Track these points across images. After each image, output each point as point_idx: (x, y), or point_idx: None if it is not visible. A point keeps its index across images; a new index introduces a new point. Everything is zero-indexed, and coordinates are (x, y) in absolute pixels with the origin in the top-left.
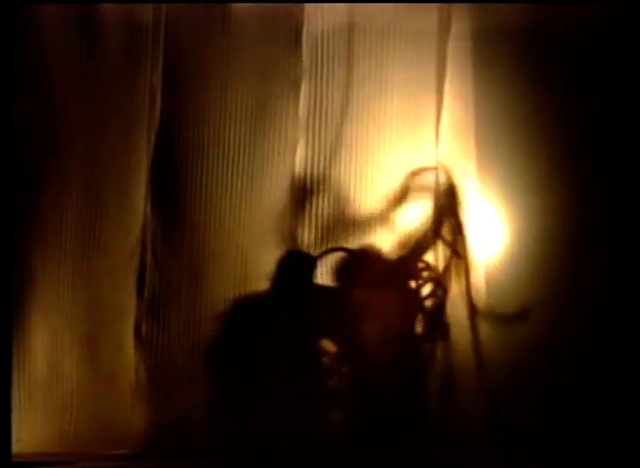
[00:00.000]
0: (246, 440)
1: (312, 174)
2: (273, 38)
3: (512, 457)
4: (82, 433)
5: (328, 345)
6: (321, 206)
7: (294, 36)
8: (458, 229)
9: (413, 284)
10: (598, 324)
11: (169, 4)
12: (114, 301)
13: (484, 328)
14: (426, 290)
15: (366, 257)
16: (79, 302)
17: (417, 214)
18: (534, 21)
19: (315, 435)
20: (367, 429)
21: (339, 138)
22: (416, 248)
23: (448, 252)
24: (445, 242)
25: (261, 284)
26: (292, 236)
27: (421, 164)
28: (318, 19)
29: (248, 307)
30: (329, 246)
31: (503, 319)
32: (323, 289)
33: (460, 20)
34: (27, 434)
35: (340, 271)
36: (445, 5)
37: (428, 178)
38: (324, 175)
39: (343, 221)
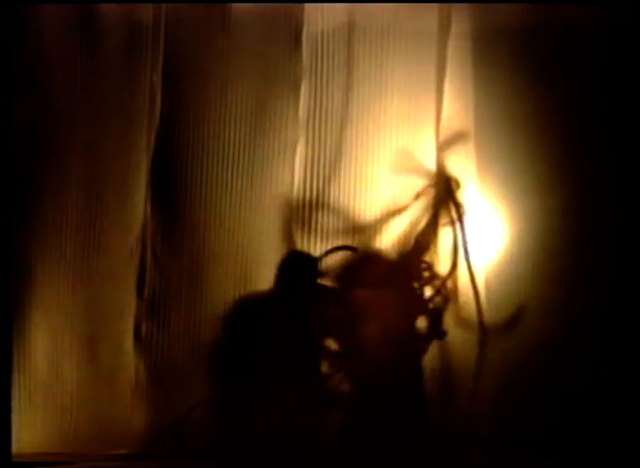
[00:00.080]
0: (246, 440)
1: (312, 173)
2: (273, 38)
3: (512, 457)
4: (82, 433)
5: (328, 345)
6: (321, 206)
7: (294, 36)
8: (458, 229)
9: (414, 284)
10: (598, 324)
11: (169, 4)
12: (114, 301)
13: (484, 328)
14: (427, 290)
15: (367, 258)
16: (79, 302)
17: (417, 215)
18: (534, 21)
19: (315, 435)
20: (367, 429)
21: (339, 138)
22: (416, 248)
23: (448, 252)
24: (445, 242)
25: (262, 284)
26: (292, 236)
27: (421, 164)
28: (318, 20)
29: (248, 307)
30: (329, 246)
31: (504, 319)
32: (324, 289)
33: (460, 20)
34: (27, 434)
35: (342, 272)
36: (445, 5)
37: (428, 178)
38: (324, 174)
39: (344, 222)
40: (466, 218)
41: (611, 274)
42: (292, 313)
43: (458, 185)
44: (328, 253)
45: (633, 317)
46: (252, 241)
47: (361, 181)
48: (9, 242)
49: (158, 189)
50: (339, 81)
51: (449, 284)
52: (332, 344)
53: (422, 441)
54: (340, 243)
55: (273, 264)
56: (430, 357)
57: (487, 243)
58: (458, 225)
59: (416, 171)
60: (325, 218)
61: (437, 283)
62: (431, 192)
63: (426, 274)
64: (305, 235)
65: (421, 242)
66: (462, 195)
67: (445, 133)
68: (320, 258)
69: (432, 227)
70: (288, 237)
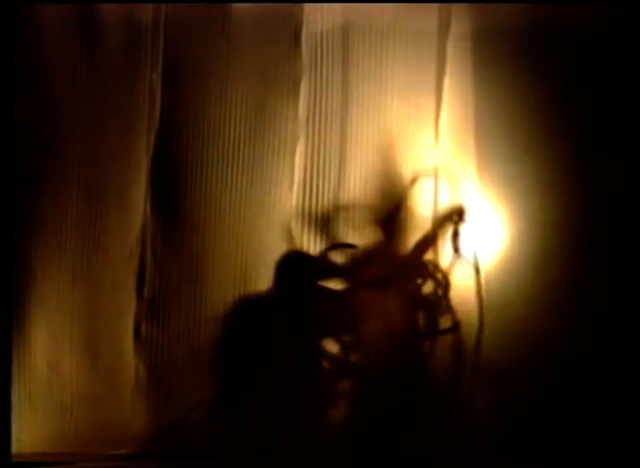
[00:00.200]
0: (246, 440)
1: (312, 172)
2: (273, 38)
3: (512, 457)
4: (82, 433)
5: (329, 345)
6: (321, 205)
7: (293, 36)
8: (458, 228)
9: (414, 283)
10: (598, 324)
11: (169, 4)
12: (114, 301)
13: (484, 328)
14: (428, 289)
15: (367, 257)
16: (79, 302)
17: (417, 213)
18: (534, 21)
19: (315, 435)
20: (367, 429)
21: (338, 138)
22: (417, 247)
23: (449, 251)
24: (445, 241)
25: (262, 283)
26: (292, 236)
27: (422, 163)
28: (317, 19)
29: (248, 307)
30: (329, 243)
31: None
32: (324, 288)
33: (460, 20)
34: (27, 434)
35: (342, 271)
36: (445, 5)
37: (429, 178)
38: (324, 173)
39: (344, 221)
40: (467, 218)
41: (611, 274)
42: (292, 313)
43: (458, 185)
44: (326, 250)
45: (633, 317)
46: (252, 240)
47: (361, 180)
48: (9, 242)
49: (158, 189)
50: (338, 80)
51: (449, 283)
52: (332, 344)
53: (422, 440)
54: (339, 241)
55: (273, 264)
56: (431, 357)
57: (487, 243)
58: (458, 224)
59: (415, 170)
60: (325, 217)
61: (437, 282)
62: (431, 192)
63: (427, 273)
64: (305, 234)
65: (422, 241)
66: (463, 195)
67: (445, 132)
68: (319, 256)
69: (433, 226)
70: (288, 236)
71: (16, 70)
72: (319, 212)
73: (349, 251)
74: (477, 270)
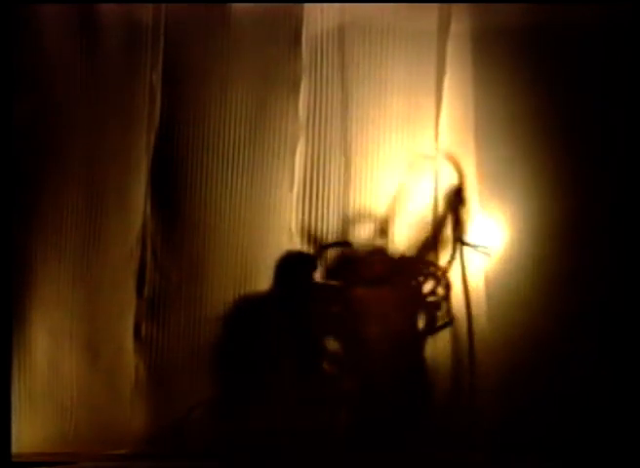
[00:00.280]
0: (246, 440)
1: (312, 172)
2: (273, 38)
3: (511, 458)
4: (82, 433)
5: (329, 344)
6: (321, 205)
7: (293, 36)
8: (458, 228)
9: (414, 282)
10: (597, 325)
11: (169, 4)
12: (114, 301)
13: (484, 328)
14: (428, 288)
15: (367, 256)
16: (79, 302)
17: (417, 213)
18: (534, 21)
19: (315, 435)
20: (368, 428)
21: (338, 137)
22: (417, 246)
23: (449, 250)
24: (446, 241)
25: (262, 283)
26: (292, 236)
27: (421, 163)
28: (317, 19)
29: (248, 306)
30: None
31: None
32: (323, 288)
33: (460, 20)
34: (27, 434)
35: (342, 270)
36: (445, 5)
37: (429, 177)
38: (324, 173)
39: (344, 220)
40: (466, 217)
41: (610, 275)
42: (292, 312)
43: (458, 185)
44: (323, 248)
45: (632, 318)
46: (252, 240)
47: (361, 180)
48: (9, 242)
49: (158, 189)
50: (338, 80)
51: (449, 282)
52: (332, 343)
53: (423, 440)
54: (339, 240)
55: (273, 264)
56: (429, 358)
57: (487, 242)
58: (458, 224)
59: (415, 169)
60: (325, 217)
61: (437, 281)
62: (431, 191)
63: (427, 272)
64: (305, 234)
65: (422, 240)
66: (462, 194)
67: (445, 131)
68: (317, 254)
69: (433, 226)
70: (288, 236)
71: (16, 70)
72: (319, 211)
73: (349, 250)
74: (468, 270)
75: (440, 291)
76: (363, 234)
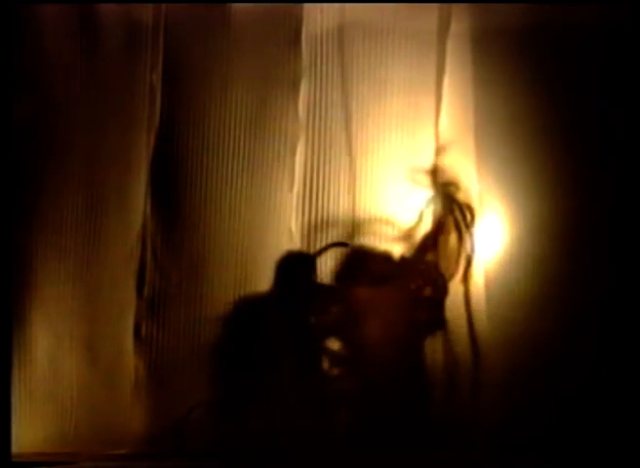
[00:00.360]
0: (246, 440)
1: (312, 172)
2: (273, 38)
3: (511, 458)
4: (82, 433)
5: (328, 344)
6: (321, 205)
7: (293, 36)
8: (458, 228)
9: (413, 282)
10: (597, 325)
11: (169, 4)
12: (114, 301)
13: (484, 328)
14: (426, 289)
15: (366, 257)
16: (79, 302)
17: (417, 213)
18: (534, 21)
19: (315, 435)
20: (368, 429)
21: (338, 137)
22: (416, 247)
23: (448, 251)
24: (445, 241)
25: (262, 283)
26: (292, 236)
27: (421, 163)
28: (317, 19)
29: (248, 307)
30: (328, 243)
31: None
32: (323, 288)
33: (460, 20)
34: (27, 434)
35: (341, 270)
36: (445, 5)
37: (428, 178)
38: (324, 174)
39: (344, 221)
40: (466, 218)
41: (610, 275)
42: (291, 312)
43: (457, 185)
44: (323, 249)
45: (632, 318)
46: (252, 240)
47: (361, 180)
48: (9, 242)
49: (158, 189)
50: (338, 80)
51: (448, 283)
52: (332, 343)
53: (423, 440)
54: (339, 240)
55: (273, 264)
56: (429, 358)
57: (487, 243)
58: (457, 224)
59: (415, 169)
60: (325, 217)
61: (436, 282)
62: (431, 191)
63: (425, 273)
64: (305, 233)
65: (421, 241)
66: (462, 194)
67: (445, 131)
68: (316, 255)
69: (432, 226)
70: (288, 236)
71: (16, 70)
72: (319, 211)
73: (349, 251)
74: (467, 271)
75: (439, 290)
76: (363, 235)
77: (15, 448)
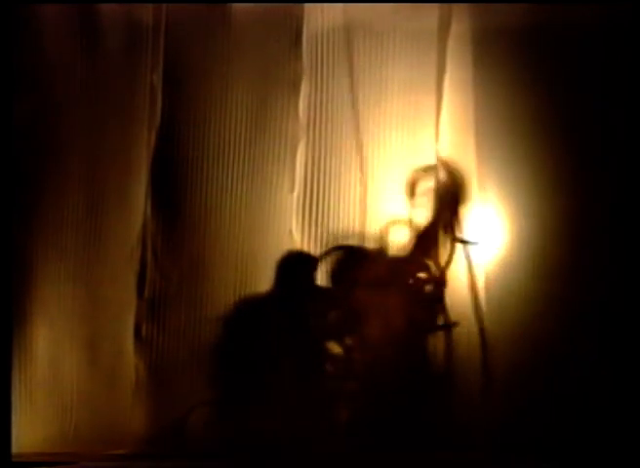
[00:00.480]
0: (246, 440)
1: (313, 172)
2: (273, 38)
3: (511, 458)
4: (82, 433)
5: (329, 345)
6: (322, 205)
7: (294, 36)
8: (458, 228)
9: (413, 283)
10: (597, 325)
11: (169, 4)
12: (114, 301)
13: (483, 329)
14: (427, 289)
15: (367, 257)
16: (79, 302)
17: (417, 213)
18: (534, 21)
19: (315, 435)
20: (368, 429)
21: (339, 137)
22: (416, 247)
23: (448, 251)
24: (445, 241)
25: (262, 284)
26: (292, 236)
27: (422, 163)
28: (318, 19)
29: (248, 307)
30: (329, 244)
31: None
32: (323, 289)
33: (461, 20)
34: (27, 434)
35: (341, 271)
36: (445, 5)
37: (429, 178)
38: (324, 173)
39: (344, 221)
40: (466, 217)
41: (610, 275)
42: (292, 313)
43: (458, 184)
44: (327, 253)
45: (632, 319)
46: (252, 241)
47: (361, 180)
48: (9, 242)
49: (159, 189)
50: (338, 80)
51: (448, 284)
52: (332, 344)
53: (422, 441)
54: (340, 242)
55: (273, 264)
56: (429, 359)
57: (487, 242)
58: (457, 224)
59: (416, 169)
60: (325, 217)
61: (436, 282)
62: (431, 191)
63: (426, 273)
64: (306, 235)
65: (422, 240)
66: (462, 194)
67: (445, 131)
68: (320, 259)
69: (433, 226)
70: (288, 237)
71: (16, 70)
72: (320, 211)
73: (349, 252)
74: (467, 271)
75: (439, 290)
76: (364, 235)
77: (15, 448)
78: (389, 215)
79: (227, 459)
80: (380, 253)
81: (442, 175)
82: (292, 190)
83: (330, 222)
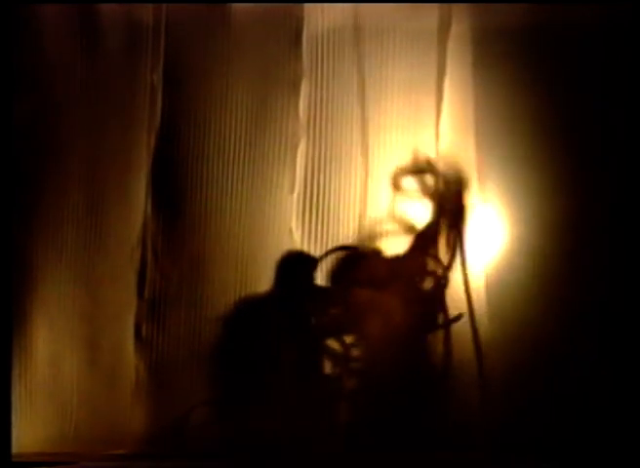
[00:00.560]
0: (246, 440)
1: (313, 172)
2: (273, 38)
3: (511, 458)
4: (82, 433)
5: (329, 345)
6: (322, 205)
7: (294, 36)
8: (458, 228)
9: (413, 282)
10: (597, 326)
11: (169, 4)
12: (115, 301)
13: (484, 328)
14: (427, 286)
15: (366, 256)
16: (80, 302)
17: (417, 213)
18: (534, 21)
19: (315, 435)
20: (368, 429)
21: (339, 137)
22: (416, 246)
23: (448, 251)
24: (445, 241)
25: (262, 284)
26: (293, 236)
27: (422, 163)
28: (318, 19)
29: (249, 307)
30: (329, 245)
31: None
32: (323, 289)
33: (461, 20)
34: (27, 434)
35: (341, 270)
36: (445, 5)
37: (429, 177)
38: (325, 173)
39: (344, 221)
40: (467, 217)
41: (610, 275)
42: (292, 313)
43: (458, 184)
44: (328, 253)
45: (632, 318)
46: (252, 241)
47: (361, 180)
48: (9, 242)
49: (159, 189)
50: (339, 80)
51: (448, 284)
52: (332, 344)
53: (422, 441)
54: (340, 242)
55: (274, 264)
56: (429, 359)
57: (487, 243)
58: (457, 224)
59: (416, 170)
60: (325, 217)
61: (437, 277)
62: (431, 191)
63: (426, 273)
64: (306, 235)
65: (422, 240)
66: (462, 194)
67: (445, 131)
68: (320, 259)
69: (433, 226)
70: (288, 237)
71: (16, 70)
72: (320, 211)
73: (349, 252)
74: (467, 271)
75: (439, 288)
76: (364, 235)
77: (15, 448)
78: (389, 215)
79: (227, 459)
80: (380, 253)
81: (442, 174)
82: (292, 190)
83: (330, 222)
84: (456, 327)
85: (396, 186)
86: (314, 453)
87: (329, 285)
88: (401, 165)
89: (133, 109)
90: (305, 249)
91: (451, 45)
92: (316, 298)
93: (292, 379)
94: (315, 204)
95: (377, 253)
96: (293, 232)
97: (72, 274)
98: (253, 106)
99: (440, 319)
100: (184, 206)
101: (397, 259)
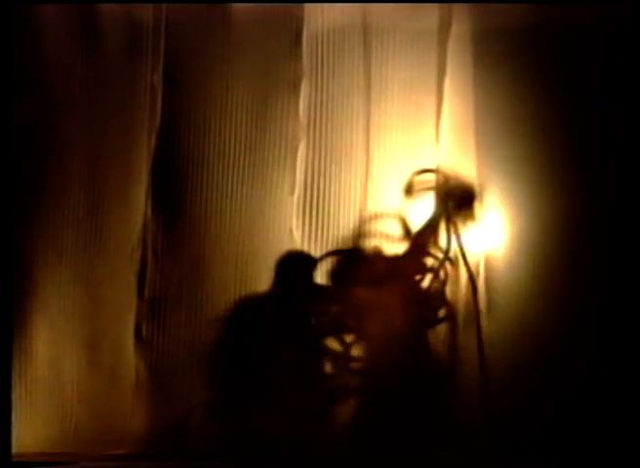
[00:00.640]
0: (246, 440)
1: (313, 173)
2: (273, 38)
3: (511, 458)
4: (82, 433)
5: (328, 345)
6: (322, 205)
7: (294, 36)
8: (458, 228)
9: (413, 282)
10: (597, 326)
11: (169, 4)
12: (115, 301)
13: (484, 328)
14: (427, 284)
15: (366, 256)
16: (80, 302)
17: (418, 212)
18: (534, 21)
19: (316, 435)
20: (368, 428)
21: (339, 138)
22: (416, 246)
23: (448, 251)
24: (445, 240)
25: (262, 284)
26: (293, 237)
27: (422, 163)
28: (318, 19)
29: (249, 307)
30: (329, 245)
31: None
32: (323, 289)
33: (461, 20)
34: (27, 434)
35: (341, 270)
36: (445, 5)
37: (429, 177)
38: (325, 174)
39: (344, 221)
40: (467, 217)
41: (610, 275)
42: (292, 313)
43: (458, 184)
44: (327, 255)
45: (632, 318)
46: (252, 241)
47: (362, 181)
48: (9, 242)
49: (159, 189)
50: (339, 80)
51: (447, 283)
52: (332, 344)
53: (422, 441)
54: (340, 242)
55: (274, 264)
56: (429, 359)
57: (487, 242)
58: (457, 224)
59: (416, 170)
60: (325, 218)
61: (437, 275)
62: (432, 190)
63: (426, 273)
64: (306, 235)
65: (422, 240)
66: (462, 194)
67: (445, 131)
68: (320, 260)
69: (433, 225)
70: (288, 237)
71: (16, 70)
72: (320, 211)
73: (348, 252)
74: (467, 270)
75: (439, 286)
76: (364, 235)
77: (15, 448)
78: (390, 215)
79: (227, 459)
80: (380, 253)
81: (442, 174)
82: (292, 191)
83: (330, 223)
84: (456, 326)
85: (398, 187)
86: (314, 453)
87: (329, 284)
88: (401, 165)
89: (133, 109)
90: (305, 249)
91: (451, 45)
92: (316, 298)
93: (292, 379)
94: (315, 204)
95: (376, 253)
96: (293, 233)
97: (72, 274)
98: (253, 106)
99: (439, 314)
100: (184, 206)
101: (397, 259)
